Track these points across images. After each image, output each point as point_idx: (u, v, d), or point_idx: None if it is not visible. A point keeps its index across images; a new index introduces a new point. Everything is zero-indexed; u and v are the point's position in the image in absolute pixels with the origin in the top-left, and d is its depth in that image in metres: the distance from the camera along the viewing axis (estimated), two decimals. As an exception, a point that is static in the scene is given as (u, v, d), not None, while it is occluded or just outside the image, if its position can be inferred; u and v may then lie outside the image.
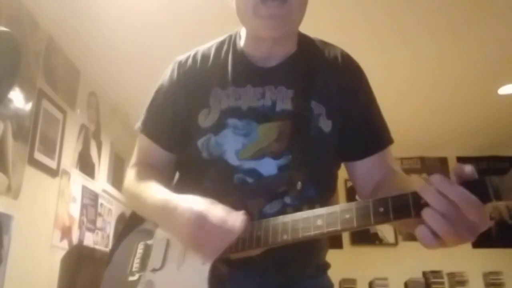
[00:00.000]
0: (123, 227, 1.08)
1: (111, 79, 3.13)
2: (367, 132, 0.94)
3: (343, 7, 2.39)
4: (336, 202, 0.89)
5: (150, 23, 2.49)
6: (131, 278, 0.91)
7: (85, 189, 2.96)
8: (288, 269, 0.88)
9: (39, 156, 2.34)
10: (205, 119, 0.93)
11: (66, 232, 2.63)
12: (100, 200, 3.25)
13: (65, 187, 2.65)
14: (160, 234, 0.93)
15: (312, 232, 0.71)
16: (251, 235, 0.77)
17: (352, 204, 0.68)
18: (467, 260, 4.34)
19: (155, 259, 0.89)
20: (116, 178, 3.90)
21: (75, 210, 2.79)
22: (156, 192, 0.89)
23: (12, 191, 2.08)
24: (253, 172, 0.87)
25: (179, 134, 0.97)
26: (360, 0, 2.34)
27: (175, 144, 0.99)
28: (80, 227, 2.85)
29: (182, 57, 1.04)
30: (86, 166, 3.01)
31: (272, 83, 0.93)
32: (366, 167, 0.94)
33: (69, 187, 2.70)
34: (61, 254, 2.53)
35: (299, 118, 0.90)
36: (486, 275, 4.32)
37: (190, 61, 1.01)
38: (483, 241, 4.45)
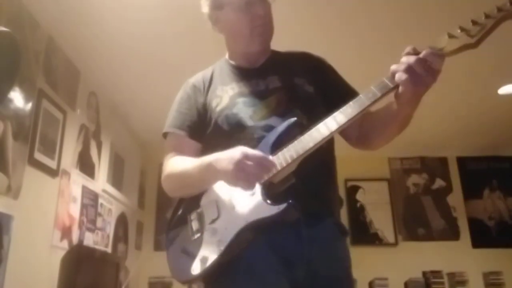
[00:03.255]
0: (170, 220, 1.22)
1: (111, 79, 3.13)
2: (341, 92, 1.20)
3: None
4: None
5: (150, 20, 2.50)
6: (194, 237, 1.09)
7: (85, 189, 2.96)
8: (314, 197, 1.09)
9: (39, 156, 2.34)
10: (219, 105, 1.20)
11: (66, 232, 2.63)
12: (100, 200, 3.25)
13: (65, 187, 2.65)
14: (206, 201, 1.11)
15: (327, 131, 0.99)
16: (285, 157, 1.01)
17: (353, 100, 0.99)
18: (467, 260, 4.34)
19: (210, 214, 1.09)
20: (116, 178, 3.90)
21: (75, 210, 2.79)
22: (196, 160, 1.12)
23: (12, 191, 2.08)
24: (267, 127, 1.12)
25: (202, 122, 1.22)
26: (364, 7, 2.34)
27: (201, 132, 1.21)
28: (80, 227, 2.85)
29: (191, 79, 1.32)
30: (86, 166, 3.01)
31: (261, 77, 1.23)
32: None
33: (69, 187, 2.70)
34: (61, 254, 2.52)
35: (288, 87, 1.20)
36: (486, 275, 4.32)
37: (197, 77, 1.32)
38: (483, 241, 4.49)
